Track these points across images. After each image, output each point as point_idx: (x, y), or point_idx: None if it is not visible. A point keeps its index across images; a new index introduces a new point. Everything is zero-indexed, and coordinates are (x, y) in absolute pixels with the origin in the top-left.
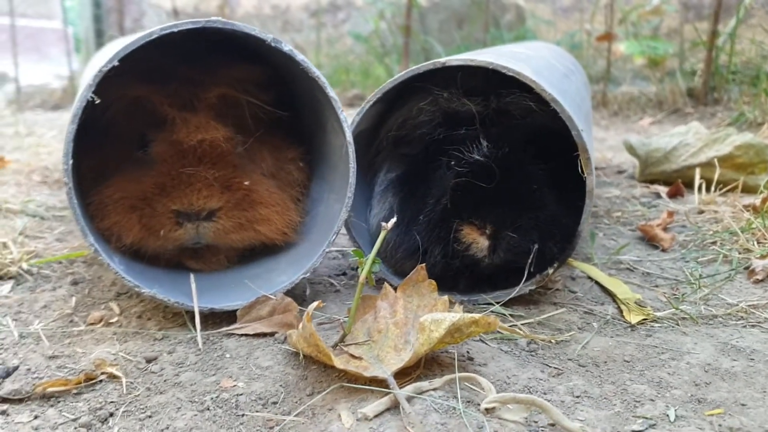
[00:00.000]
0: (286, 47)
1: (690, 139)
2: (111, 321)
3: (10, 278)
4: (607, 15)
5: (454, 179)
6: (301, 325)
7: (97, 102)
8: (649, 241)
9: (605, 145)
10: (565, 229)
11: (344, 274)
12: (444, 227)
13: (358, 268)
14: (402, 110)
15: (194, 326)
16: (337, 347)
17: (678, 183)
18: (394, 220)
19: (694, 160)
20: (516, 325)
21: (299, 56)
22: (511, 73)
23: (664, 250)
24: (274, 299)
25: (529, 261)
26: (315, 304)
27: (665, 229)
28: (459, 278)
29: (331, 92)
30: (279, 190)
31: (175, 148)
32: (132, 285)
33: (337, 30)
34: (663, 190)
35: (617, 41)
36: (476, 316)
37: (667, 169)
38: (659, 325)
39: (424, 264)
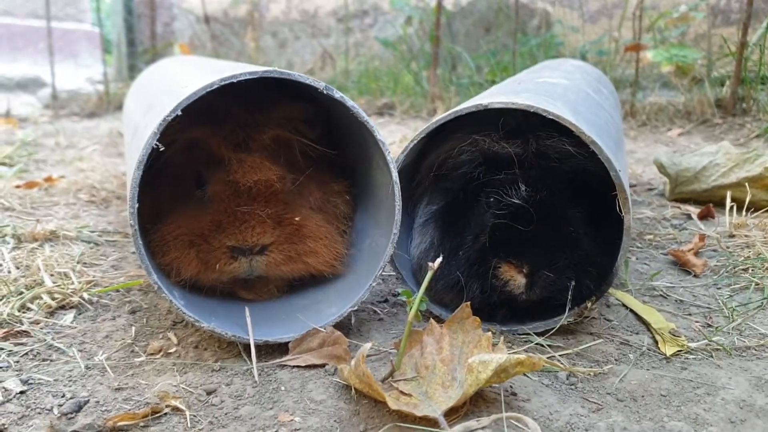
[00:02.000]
0: (337, 94)
1: (720, 159)
2: (170, 351)
3: (72, 308)
4: (634, 22)
5: (493, 220)
6: (354, 363)
7: (161, 149)
8: (682, 266)
9: (634, 158)
10: (601, 267)
11: (386, 301)
12: (482, 264)
13: (405, 303)
14: (442, 148)
15: (249, 356)
16: (386, 382)
17: (709, 206)
18: (440, 260)
19: (724, 180)
20: (555, 357)
21: (349, 102)
22: (551, 116)
23: (696, 276)
24: (324, 332)
25: (564, 297)
26: (368, 346)
27: (697, 254)
28: (497, 310)
29: (379, 135)
30: (326, 223)
31: (231, 188)
32: (192, 320)
33: (364, 35)
34: (694, 210)
35: (644, 50)
36: (522, 357)
37: (697, 188)
38: (693, 356)
39: (469, 302)
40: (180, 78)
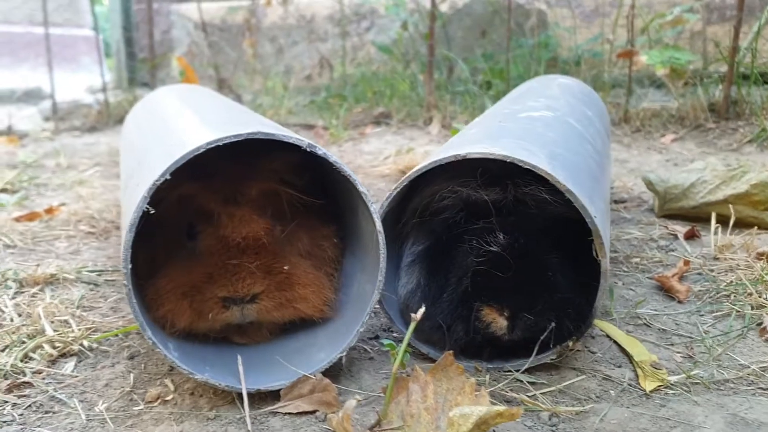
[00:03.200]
0: (320, 151)
1: (707, 176)
2: (167, 399)
3: (72, 355)
4: (628, 24)
5: (474, 266)
6: (341, 416)
7: (151, 213)
8: (666, 292)
9: (627, 168)
10: (580, 308)
11: (377, 338)
12: (465, 306)
13: (390, 354)
14: (426, 192)
15: (242, 405)
16: (372, 430)
17: (693, 228)
18: (422, 310)
19: (711, 197)
20: (536, 396)
21: (332, 158)
22: (527, 167)
23: (680, 302)
24: (314, 378)
25: (546, 337)
26: (354, 403)
27: (681, 279)
28: (483, 348)
29: (362, 188)
30: (315, 269)
31: (221, 242)
32: (187, 372)
33: (361, 39)
34: (681, 230)
35: (638, 55)
36: (501, 408)
37: (685, 205)
38: (673, 392)
39: (452, 351)
40: (172, 128)
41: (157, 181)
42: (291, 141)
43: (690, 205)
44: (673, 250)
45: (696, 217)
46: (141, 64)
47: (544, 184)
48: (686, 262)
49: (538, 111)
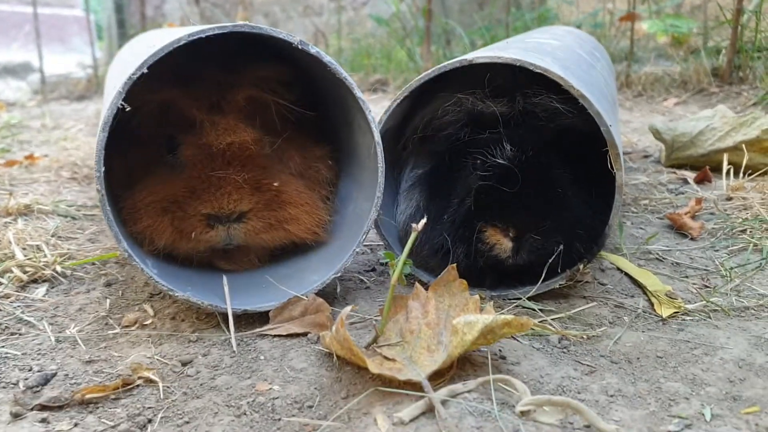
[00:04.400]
0: (313, 49)
1: (716, 123)
2: (145, 323)
3: (44, 281)
4: None
5: (478, 182)
6: (334, 329)
7: (127, 110)
8: (678, 229)
9: (630, 128)
10: (592, 228)
11: (373, 270)
12: (468, 227)
13: (389, 268)
14: (427, 109)
15: (228, 328)
16: (370, 348)
17: (705, 169)
18: (424, 221)
19: (720, 144)
20: (546, 321)
21: (326, 58)
22: (538, 70)
23: (693, 239)
24: (306, 300)
25: (554, 260)
26: (348, 309)
27: (693, 217)
28: (485, 275)
29: (359, 93)
30: (308, 189)
31: (204, 151)
32: (166, 289)
33: (357, 13)
34: (690, 175)
35: (640, 20)
36: (509, 317)
37: (693, 153)
38: (691, 318)
39: (455, 264)
40: (152, 41)
41: (133, 75)
42: (280, 36)
43: (698, 153)
44: (682, 193)
45: (704, 166)
46: (133, 37)
47: (556, 94)
48: (698, 201)
49: (545, 40)
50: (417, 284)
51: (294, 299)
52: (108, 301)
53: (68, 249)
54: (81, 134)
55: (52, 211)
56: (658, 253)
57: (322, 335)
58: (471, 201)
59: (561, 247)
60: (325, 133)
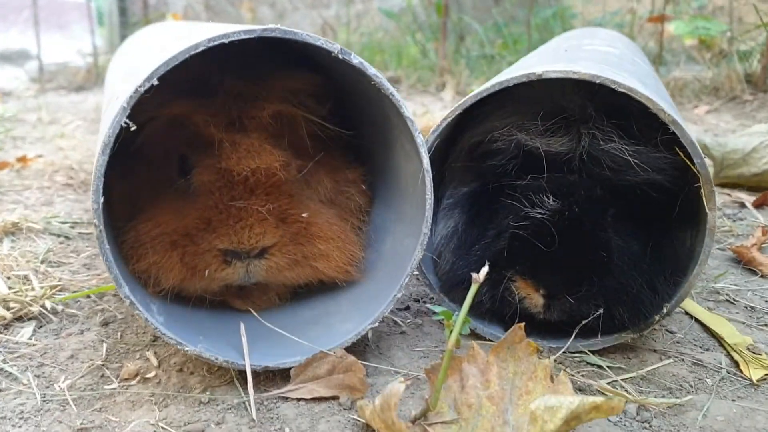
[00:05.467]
0: (356, 59)
1: None
2: (148, 376)
3: (31, 319)
4: None
5: (512, 230)
6: (379, 405)
7: (132, 129)
8: (746, 265)
9: None
10: (638, 297)
11: (408, 309)
12: (498, 271)
13: (429, 313)
14: (478, 129)
15: (244, 385)
16: (417, 423)
17: (766, 194)
18: (485, 270)
19: None
20: (618, 383)
21: (371, 70)
22: (622, 89)
23: (763, 277)
24: (333, 355)
25: (591, 323)
26: (401, 389)
27: (760, 249)
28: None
29: (407, 112)
30: (339, 219)
31: (222, 177)
32: (174, 342)
33: (366, 6)
34: (746, 198)
35: (669, 21)
36: (598, 400)
37: (745, 172)
38: None
39: (522, 324)
40: (163, 41)
41: (140, 86)
42: (318, 44)
43: (751, 171)
44: (741, 219)
45: (757, 186)
46: (134, 27)
47: (627, 135)
48: (764, 231)
49: (602, 47)
50: (474, 345)
51: (320, 354)
52: (104, 345)
53: (60, 278)
54: (78, 131)
55: (43, 229)
56: (727, 294)
57: (360, 406)
58: (504, 244)
59: (600, 311)
60: (357, 153)
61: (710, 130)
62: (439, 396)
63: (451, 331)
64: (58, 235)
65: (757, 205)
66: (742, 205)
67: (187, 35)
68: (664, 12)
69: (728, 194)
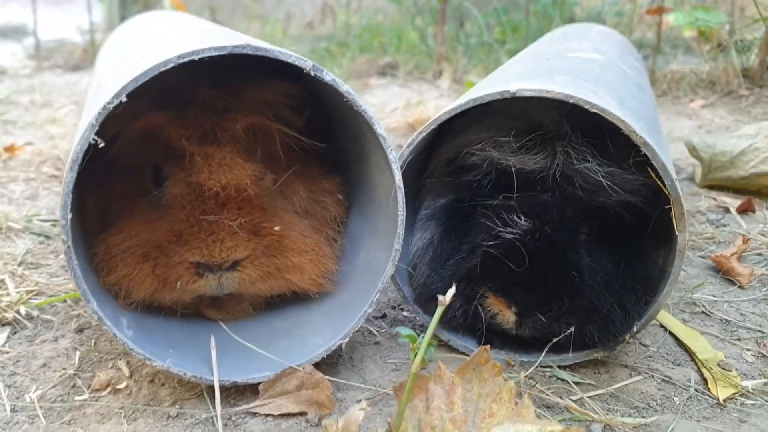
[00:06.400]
0: (328, 76)
1: (760, 143)
2: (119, 387)
3: (5, 324)
4: None
5: (484, 248)
6: (342, 429)
7: (101, 145)
8: (724, 274)
9: None
10: (609, 316)
11: (384, 316)
12: (470, 287)
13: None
14: (455, 142)
15: (213, 398)
16: None
17: (750, 199)
18: (452, 291)
19: (764, 167)
20: (584, 401)
21: (343, 87)
22: (594, 110)
23: (741, 287)
24: (302, 371)
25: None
26: (360, 416)
27: (740, 259)
28: (492, 335)
29: (380, 129)
30: (313, 231)
31: (194, 191)
32: (143, 357)
33: None
34: (731, 202)
35: (667, 13)
36: (557, 428)
37: (733, 175)
38: (751, 402)
39: (488, 346)
40: (141, 47)
41: (109, 104)
42: (290, 60)
43: (739, 174)
44: (725, 225)
45: (744, 189)
46: (133, 3)
47: (601, 154)
48: (745, 240)
49: (587, 53)
50: (440, 365)
51: (289, 369)
52: (78, 353)
53: (37, 281)
54: (70, 116)
55: (23, 228)
56: (704, 305)
57: (325, 425)
58: (477, 261)
59: (571, 329)
60: (334, 162)
61: (704, 126)
62: (404, 417)
63: (415, 354)
64: (39, 234)
65: (741, 211)
66: (727, 210)
67: (166, 43)
68: (664, 3)
69: (714, 198)
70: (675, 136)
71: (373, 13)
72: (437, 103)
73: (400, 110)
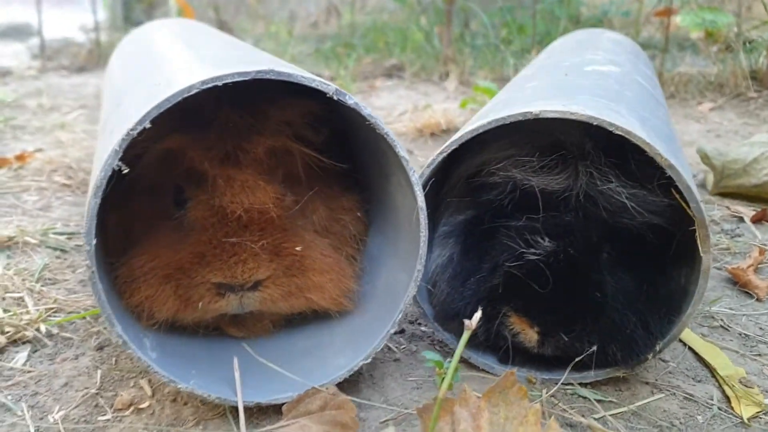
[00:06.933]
0: (351, 100)
1: None
2: (141, 406)
3: (26, 342)
4: None
5: (506, 269)
6: None
7: (125, 172)
8: (741, 287)
9: None
10: (632, 337)
11: (402, 332)
12: (492, 306)
13: (425, 337)
14: (475, 159)
15: (236, 418)
16: None
17: (765, 210)
18: (478, 315)
19: None
20: (606, 419)
21: (366, 110)
22: (618, 132)
23: (759, 300)
24: (325, 392)
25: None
26: None
27: (756, 270)
28: (514, 352)
29: (403, 152)
30: (333, 250)
31: (216, 213)
32: (167, 380)
33: None
34: (745, 212)
35: (675, 14)
36: None
37: (745, 183)
38: None
39: (514, 371)
40: (159, 65)
41: (132, 130)
42: (313, 85)
43: (751, 182)
44: (739, 235)
45: (756, 197)
46: (137, 2)
47: (624, 174)
48: (761, 251)
49: (604, 65)
50: (466, 388)
51: (312, 390)
52: (99, 372)
53: (56, 298)
54: (79, 121)
55: (39, 243)
56: (722, 319)
57: None
58: (499, 281)
59: (593, 348)
60: (355, 180)
61: (713, 130)
62: None
63: (442, 379)
64: (55, 249)
65: (756, 221)
66: (741, 219)
67: (187, 64)
68: (671, 5)
69: (727, 207)
70: (684, 141)
71: (379, 12)
72: (444, 106)
73: (408, 114)
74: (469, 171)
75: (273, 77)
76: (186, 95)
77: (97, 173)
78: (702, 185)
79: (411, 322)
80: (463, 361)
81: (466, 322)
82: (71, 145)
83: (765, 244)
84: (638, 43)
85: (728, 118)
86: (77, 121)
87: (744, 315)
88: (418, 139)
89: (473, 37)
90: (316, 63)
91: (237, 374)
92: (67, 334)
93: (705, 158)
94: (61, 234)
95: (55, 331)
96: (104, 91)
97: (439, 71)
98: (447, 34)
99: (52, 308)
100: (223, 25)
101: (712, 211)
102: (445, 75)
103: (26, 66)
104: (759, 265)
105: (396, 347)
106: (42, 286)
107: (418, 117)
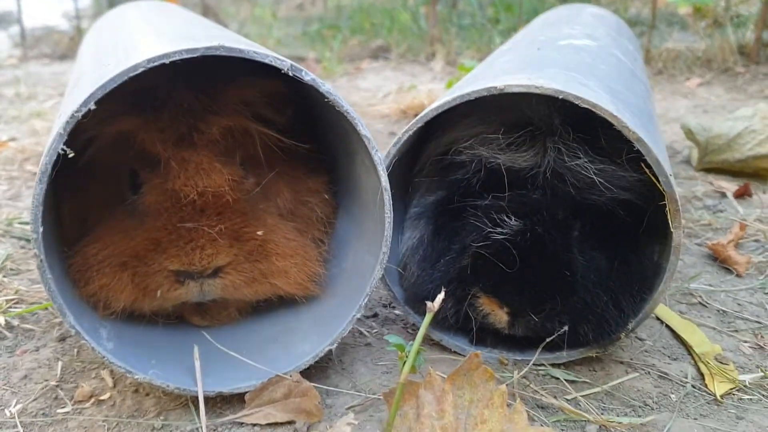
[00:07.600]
0: (308, 76)
1: (756, 125)
2: (102, 398)
3: None
4: None
5: (474, 249)
6: None
7: (70, 155)
8: (721, 263)
9: None
10: (604, 315)
11: (375, 315)
12: (461, 288)
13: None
14: (444, 138)
15: (197, 409)
16: None
17: (747, 185)
18: (441, 297)
19: (761, 149)
20: (578, 400)
21: (324, 86)
22: (585, 105)
23: (738, 276)
24: (289, 379)
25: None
26: (348, 425)
27: (737, 246)
28: (485, 333)
29: (364, 130)
30: (298, 233)
31: (170, 198)
32: (124, 370)
33: None
34: (728, 186)
35: None
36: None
37: (729, 158)
38: (749, 397)
39: (479, 352)
40: (116, 45)
41: (77, 112)
42: (266, 61)
43: (735, 157)
44: (722, 211)
45: (740, 172)
46: None
47: (592, 149)
48: (742, 227)
49: (579, 39)
50: (431, 371)
51: (276, 378)
52: (60, 363)
53: (17, 288)
54: (55, 109)
55: (4, 232)
56: (700, 296)
57: None
58: (467, 262)
59: (564, 328)
60: (320, 160)
61: (700, 106)
62: (394, 425)
63: (404, 363)
64: (20, 238)
65: (738, 196)
66: (723, 195)
67: (136, 45)
68: None
69: (710, 183)
70: (671, 117)
71: None
72: (430, 86)
73: (392, 95)
74: (438, 150)
75: (224, 53)
76: (132, 74)
77: (42, 158)
78: (687, 161)
79: (384, 306)
80: (435, 344)
81: (428, 304)
82: (46, 133)
83: (746, 220)
84: (625, 20)
85: (716, 93)
86: (54, 110)
87: (723, 291)
88: (402, 121)
89: (460, 16)
90: (302, 45)
91: (197, 363)
92: (29, 326)
93: (689, 134)
94: (27, 224)
95: (15, 322)
96: (73, 72)
97: (426, 52)
98: (434, 15)
99: (13, 299)
100: (207, 10)
101: (695, 186)
102: (431, 55)
103: (7, 55)
104: (740, 241)
105: (368, 331)
106: (3, 276)
107: (402, 98)
